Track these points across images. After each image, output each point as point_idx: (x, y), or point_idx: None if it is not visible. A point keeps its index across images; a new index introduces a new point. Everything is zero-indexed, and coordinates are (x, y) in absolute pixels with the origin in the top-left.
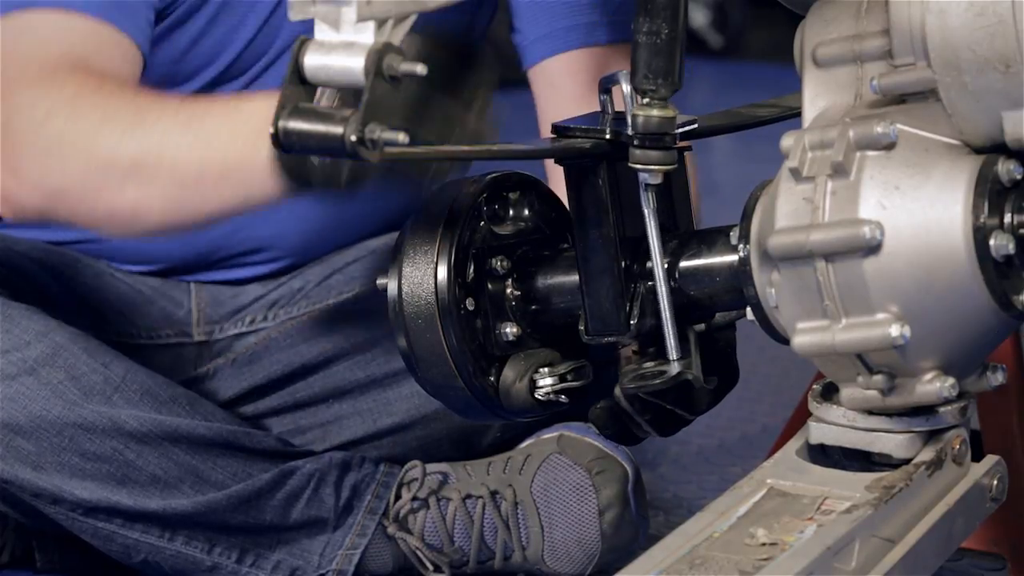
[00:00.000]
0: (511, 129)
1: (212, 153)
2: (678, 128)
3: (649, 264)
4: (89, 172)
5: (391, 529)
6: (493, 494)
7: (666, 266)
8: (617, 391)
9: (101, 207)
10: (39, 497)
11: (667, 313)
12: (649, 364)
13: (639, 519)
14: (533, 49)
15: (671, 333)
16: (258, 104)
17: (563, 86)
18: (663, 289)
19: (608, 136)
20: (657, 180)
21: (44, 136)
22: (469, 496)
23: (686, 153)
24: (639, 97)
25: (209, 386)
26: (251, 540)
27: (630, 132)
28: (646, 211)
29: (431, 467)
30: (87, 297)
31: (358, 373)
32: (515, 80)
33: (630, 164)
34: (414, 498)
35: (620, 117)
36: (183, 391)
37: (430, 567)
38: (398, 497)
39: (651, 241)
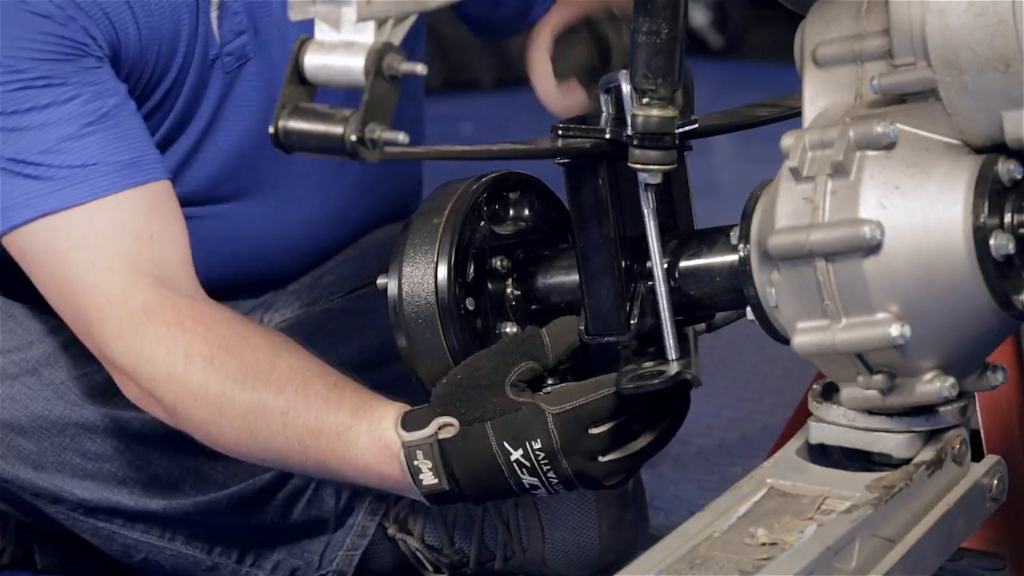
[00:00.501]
0: (511, 129)
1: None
2: (679, 128)
3: (649, 264)
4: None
5: (391, 530)
6: None
7: (666, 266)
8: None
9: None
10: (40, 497)
11: (666, 313)
12: (648, 364)
13: (638, 520)
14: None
15: (670, 333)
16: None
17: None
18: (662, 289)
19: (607, 136)
20: (656, 180)
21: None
22: None
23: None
24: (639, 97)
25: None
26: (251, 540)
27: (630, 132)
28: (645, 211)
29: None
30: None
31: (353, 375)
32: (515, 80)
33: (629, 164)
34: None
35: (620, 117)
36: None
37: (430, 568)
38: (399, 498)
39: (650, 241)
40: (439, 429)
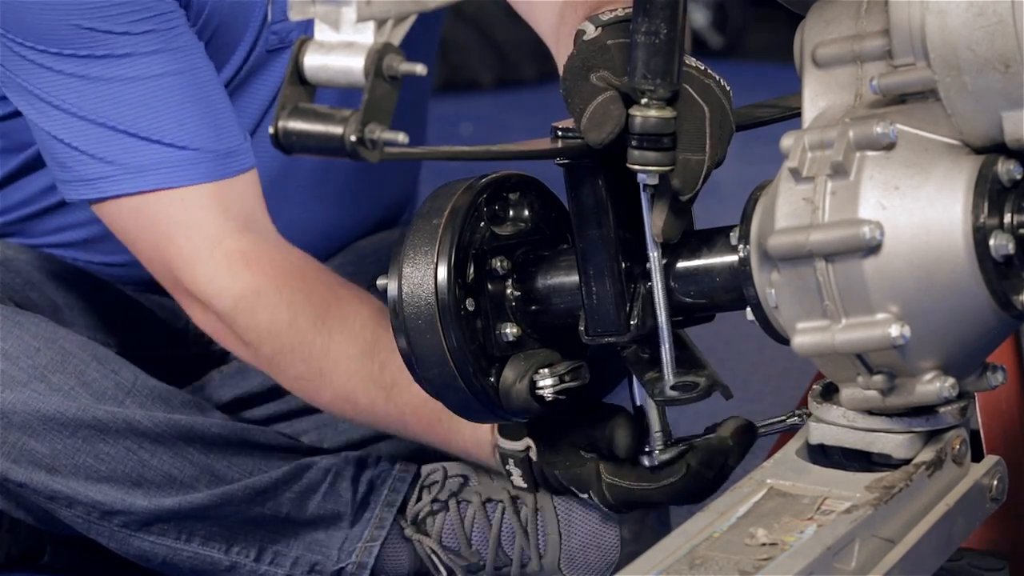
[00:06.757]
0: (511, 129)
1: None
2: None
3: (649, 265)
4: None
5: (408, 531)
6: (514, 499)
7: (664, 264)
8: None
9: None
10: (55, 500)
11: (663, 315)
12: (676, 377)
13: (660, 526)
14: None
15: (667, 341)
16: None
17: None
18: (660, 293)
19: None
20: (654, 181)
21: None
22: (489, 500)
23: None
24: (637, 97)
25: (206, 395)
26: (269, 537)
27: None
28: (645, 212)
29: (452, 469)
30: (89, 304)
31: None
32: (515, 80)
33: (627, 165)
34: (434, 500)
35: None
36: (192, 397)
37: (444, 572)
38: (419, 499)
39: (649, 242)
40: (527, 449)
